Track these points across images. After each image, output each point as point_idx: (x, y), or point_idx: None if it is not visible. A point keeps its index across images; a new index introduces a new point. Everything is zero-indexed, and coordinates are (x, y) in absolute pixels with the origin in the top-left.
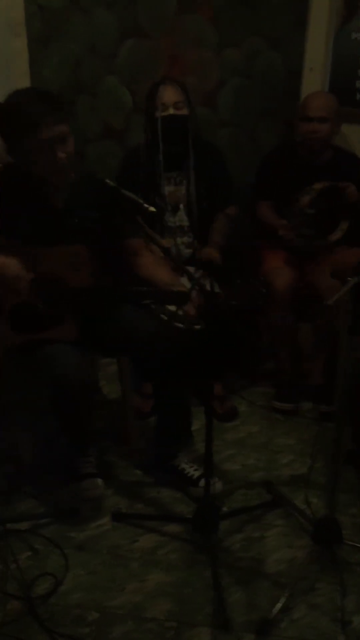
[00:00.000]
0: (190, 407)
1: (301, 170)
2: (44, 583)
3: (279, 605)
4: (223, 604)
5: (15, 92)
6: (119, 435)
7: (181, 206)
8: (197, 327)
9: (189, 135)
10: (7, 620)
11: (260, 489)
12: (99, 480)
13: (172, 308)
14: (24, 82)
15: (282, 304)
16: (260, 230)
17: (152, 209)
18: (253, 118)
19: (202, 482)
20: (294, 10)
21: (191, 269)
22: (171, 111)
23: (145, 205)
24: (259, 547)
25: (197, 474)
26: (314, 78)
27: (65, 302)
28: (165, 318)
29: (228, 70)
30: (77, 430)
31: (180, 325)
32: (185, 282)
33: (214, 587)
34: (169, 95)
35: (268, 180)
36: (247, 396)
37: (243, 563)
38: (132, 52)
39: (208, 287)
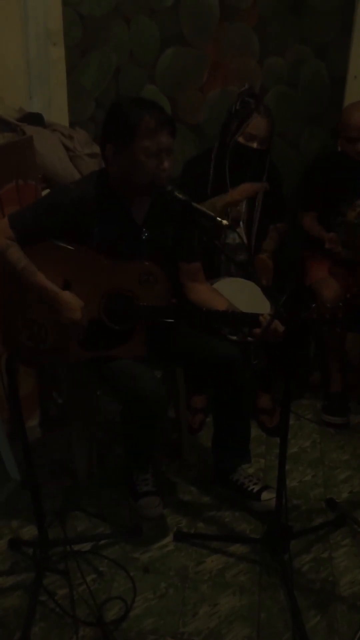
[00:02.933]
0: (249, 420)
1: (347, 181)
2: (113, 607)
3: None
4: (304, 629)
5: (129, 98)
6: (171, 450)
7: (241, 223)
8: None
9: (265, 166)
10: None
11: (322, 506)
12: (158, 499)
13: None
14: (61, 91)
15: (331, 316)
16: (305, 241)
17: (225, 222)
18: (297, 127)
19: (264, 496)
20: (340, 18)
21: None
22: (254, 145)
23: (218, 218)
24: (330, 568)
25: (257, 487)
26: (358, 86)
27: (134, 319)
28: (234, 338)
29: (272, 79)
30: (144, 446)
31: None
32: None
33: (291, 611)
34: (260, 129)
35: (313, 192)
36: (293, 409)
37: (316, 585)
38: (173, 61)
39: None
